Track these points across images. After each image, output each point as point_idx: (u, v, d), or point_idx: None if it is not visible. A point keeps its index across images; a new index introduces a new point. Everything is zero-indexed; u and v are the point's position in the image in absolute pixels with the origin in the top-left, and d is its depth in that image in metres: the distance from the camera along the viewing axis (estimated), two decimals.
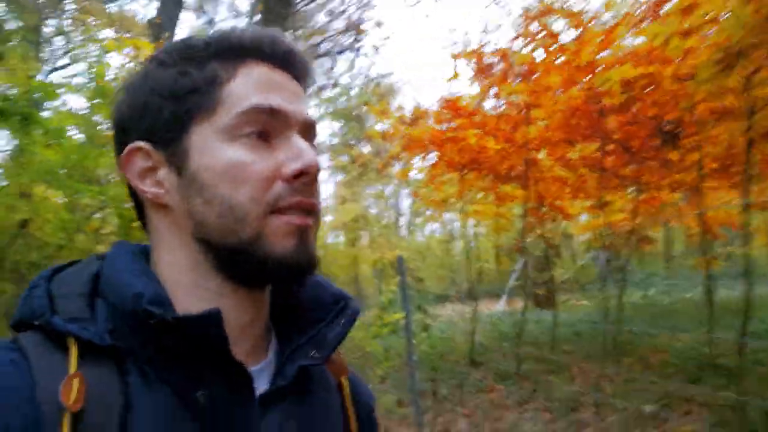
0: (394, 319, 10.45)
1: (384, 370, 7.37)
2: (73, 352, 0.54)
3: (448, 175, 8.91)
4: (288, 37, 0.65)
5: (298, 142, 0.62)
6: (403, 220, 28.63)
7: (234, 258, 0.60)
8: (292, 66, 0.65)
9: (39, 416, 0.50)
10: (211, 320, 0.55)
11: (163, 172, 0.62)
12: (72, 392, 0.51)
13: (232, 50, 0.62)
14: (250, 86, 0.61)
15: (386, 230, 25.60)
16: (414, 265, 24.77)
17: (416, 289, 15.03)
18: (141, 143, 0.63)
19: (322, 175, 0.66)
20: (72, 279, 0.61)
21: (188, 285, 0.61)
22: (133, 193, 0.66)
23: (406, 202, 28.95)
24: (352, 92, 20.10)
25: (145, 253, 0.66)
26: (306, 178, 0.61)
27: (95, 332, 0.55)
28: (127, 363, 0.56)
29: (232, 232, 0.59)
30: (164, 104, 0.61)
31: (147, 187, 0.63)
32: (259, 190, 0.59)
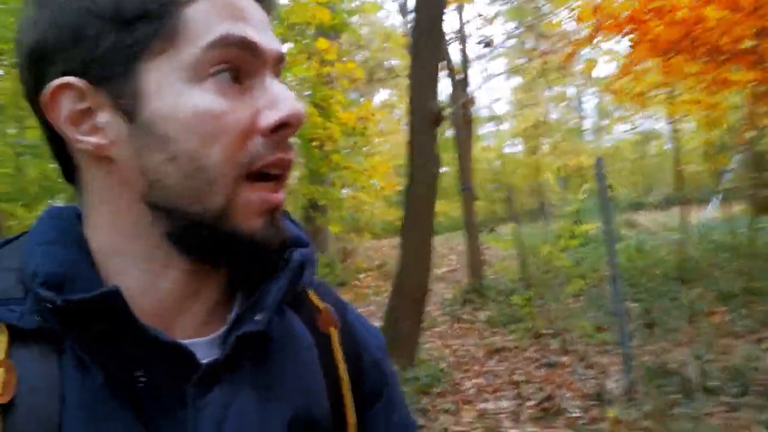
0: (584, 231, 9.54)
1: (576, 289, 6.56)
2: (2, 337, 0.49)
3: (648, 62, 7.49)
4: None
5: (276, 85, 0.53)
6: (587, 124, 26.47)
7: (194, 230, 0.52)
8: None
9: None
10: (109, 299, 0.48)
11: (106, 117, 0.52)
12: None
13: None
14: (215, 12, 0.50)
15: (569, 135, 23.81)
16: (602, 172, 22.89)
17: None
18: (71, 79, 0.51)
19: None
20: (13, 251, 0.55)
21: (128, 255, 0.54)
22: (53, 141, 0.55)
23: (591, 104, 26.67)
24: None
25: (79, 216, 0.57)
26: (287, 130, 0.52)
27: (20, 314, 0.50)
28: (64, 346, 0.50)
29: (198, 198, 0.51)
30: (105, 29, 0.49)
31: (83, 136, 0.52)
32: (235, 147, 0.50)
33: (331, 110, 9.18)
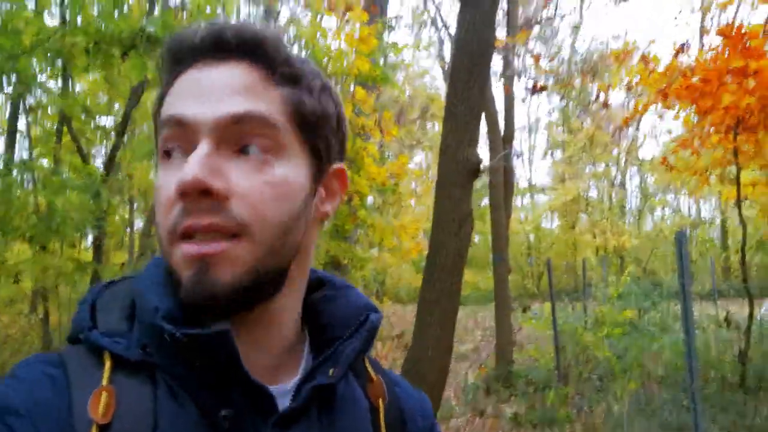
0: (627, 317, 8.56)
1: (633, 389, 5.54)
2: (107, 366, 0.54)
3: (711, 136, 6.72)
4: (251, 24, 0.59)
5: (194, 154, 0.54)
6: (629, 204, 25.52)
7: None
8: (238, 51, 0.57)
9: (71, 429, 0.50)
10: (220, 338, 0.53)
11: None
12: (100, 405, 0.51)
13: (176, 55, 0.59)
14: (175, 93, 0.58)
15: (610, 214, 22.87)
16: (644, 255, 21.75)
17: (650, 282, 12.76)
18: None
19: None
20: (118, 291, 0.61)
21: None
22: None
23: (633, 183, 25.89)
24: (576, 57, 17.85)
25: None
26: (186, 198, 0.54)
27: (126, 346, 0.55)
28: (159, 378, 0.55)
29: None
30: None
31: None
32: (164, 214, 0.56)
33: (362, 163, 8.60)
